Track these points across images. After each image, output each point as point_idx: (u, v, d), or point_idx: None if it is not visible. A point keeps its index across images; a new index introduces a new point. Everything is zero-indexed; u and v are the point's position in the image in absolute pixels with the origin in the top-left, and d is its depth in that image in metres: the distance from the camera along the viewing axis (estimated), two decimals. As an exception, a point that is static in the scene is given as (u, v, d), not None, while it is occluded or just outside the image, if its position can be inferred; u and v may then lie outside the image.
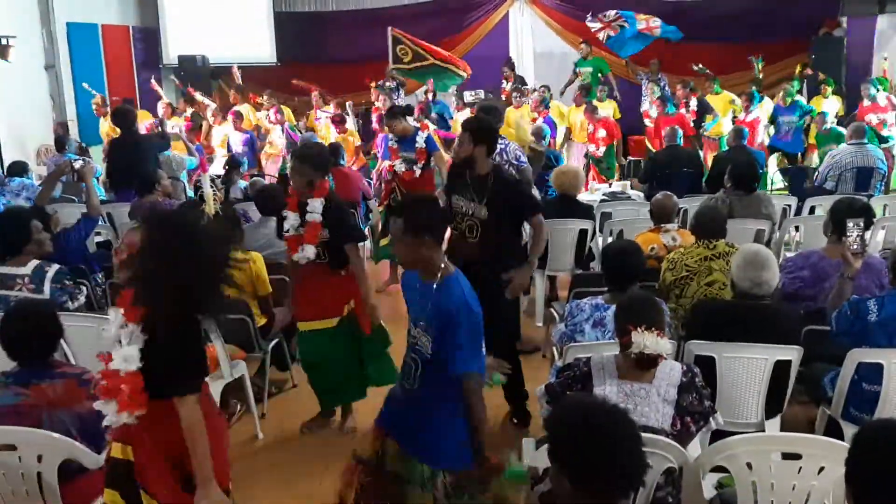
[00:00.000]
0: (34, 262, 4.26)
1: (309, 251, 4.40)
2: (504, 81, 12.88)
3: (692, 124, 10.69)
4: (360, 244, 4.71)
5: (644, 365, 2.80)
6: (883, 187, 7.80)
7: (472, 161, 4.41)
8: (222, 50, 13.75)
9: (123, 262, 2.58)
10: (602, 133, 10.54)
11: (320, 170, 4.42)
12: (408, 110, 7.80)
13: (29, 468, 2.89)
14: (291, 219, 4.46)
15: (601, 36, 11.72)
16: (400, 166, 7.05)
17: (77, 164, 6.28)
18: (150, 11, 14.16)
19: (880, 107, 10.53)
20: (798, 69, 12.56)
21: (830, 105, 11.26)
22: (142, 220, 2.66)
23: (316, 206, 4.38)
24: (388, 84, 11.93)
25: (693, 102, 10.99)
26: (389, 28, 11.24)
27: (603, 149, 10.54)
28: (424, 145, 7.05)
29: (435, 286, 2.82)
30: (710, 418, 2.88)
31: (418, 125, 7.72)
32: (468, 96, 11.74)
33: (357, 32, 14.72)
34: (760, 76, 11.94)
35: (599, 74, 12.46)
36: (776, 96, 10.97)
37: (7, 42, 9.92)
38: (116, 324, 2.56)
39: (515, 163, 5.56)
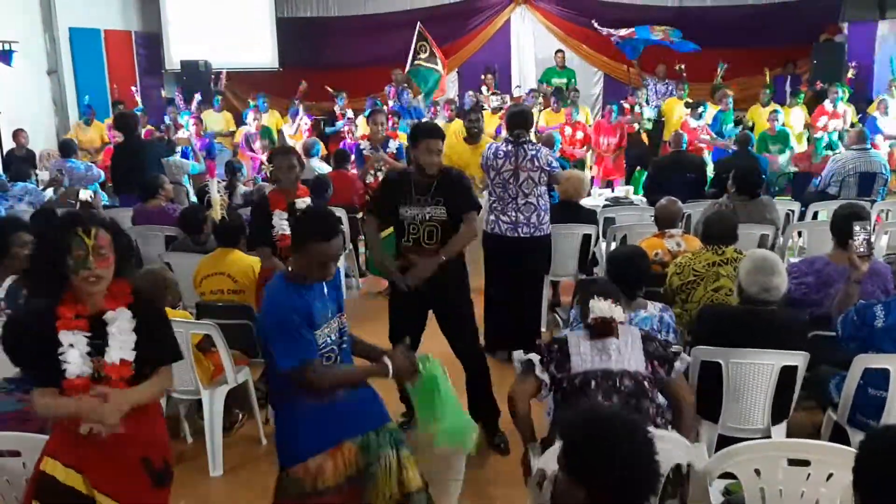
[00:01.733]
0: (10, 281, 3.98)
1: None
2: (484, 88, 12.97)
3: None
4: None
5: (602, 332, 3.07)
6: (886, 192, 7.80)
7: (422, 166, 4.26)
8: (224, 55, 13.78)
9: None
10: (580, 135, 10.58)
11: (302, 163, 4.63)
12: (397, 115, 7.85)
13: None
14: (282, 220, 4.51)
15: (613, 39, 11.73)
16: (370, 177, 7.06)
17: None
18: (153, 16, 14.19)
19: (838, 113, 10.63)
20: (767, 73, 12.58)
21: (796, 114, 11.26)
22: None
23: (306, 202, 4.54)
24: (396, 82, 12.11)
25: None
26: (419, 23, 11.65)
27: (580, 150, 10.56)
28: (395, 152, 7.11)
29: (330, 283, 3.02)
30: (677, 361, 3.13)
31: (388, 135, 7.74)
32: (494, 101, 11.82)
33: (359, 38, 14.76)
34: (719, 82, 11.96)
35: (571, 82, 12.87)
36: (720, 102, 10.93)
37: (10, 47, 9.93)
38: (70, 343, 2.54)
39: (548, 168, 5.43)
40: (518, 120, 5.55)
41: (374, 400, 3.09)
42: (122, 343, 2.57)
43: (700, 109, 10.42)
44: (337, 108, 11.94)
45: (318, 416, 2.92)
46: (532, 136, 6.17)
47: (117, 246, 2.60)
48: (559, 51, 13.65)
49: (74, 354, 2.53)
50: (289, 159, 4.57)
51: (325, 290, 2.97)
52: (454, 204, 4.26)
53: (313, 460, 2.89)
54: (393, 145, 7.17)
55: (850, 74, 11.87)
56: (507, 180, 5.42)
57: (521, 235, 5.42)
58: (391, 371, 2.98)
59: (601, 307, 3.08)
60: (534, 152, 5.41)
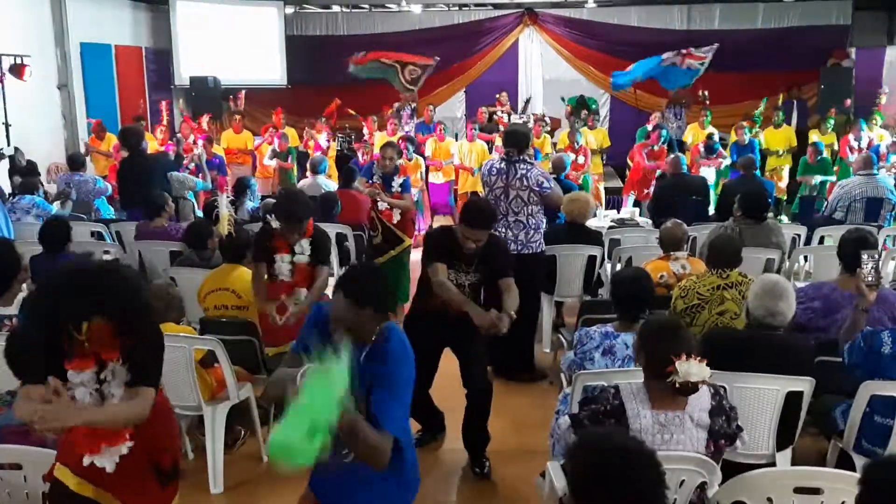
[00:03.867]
0: (21, 297, 3.95)
1: (301, 294, 4.61)
2: (498, 107, 13.05)
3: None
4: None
5: (687, 392, 2.73)
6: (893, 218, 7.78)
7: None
8: (234, 72, 13.86)
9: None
10: (581, 159, 10.58)
11: (308, 216, 4.59)
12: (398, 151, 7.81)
13: (34, 487, 2.86)
14: (284, 263, 4.60)
15: (674, 60, 11.61)
16: (382, 204, 7.02)
17: None
18: (163, 33, 14.30)
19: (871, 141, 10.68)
20: (781, 98, 12.61)
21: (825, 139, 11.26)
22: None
23: (304, 246, 4.59)
24: (402, 110, 12.16)
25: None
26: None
27: (580, 175, 10.56)
28: (399, 190, 7.05)
29: (367, 351, 2.65)
30: (738, 439, 2.89)
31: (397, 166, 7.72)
32: (516, 119, 11.98)
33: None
34: (760, 111, 11.99)
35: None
36: (734, 132, 10.93)
37: (21, 61, 10.00)
38: (80, 381, 2.50)
39: (537, 189, 5.44)
40: (510, 139, 5.64)
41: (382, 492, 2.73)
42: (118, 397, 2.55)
43: (714, 145, 10.46)
44: (366, 131, 11.99)
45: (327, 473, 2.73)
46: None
47: (124, 315, 2.48)
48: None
49: (82, 392, 2.51)
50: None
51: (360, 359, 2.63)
52: (491, 271, 4.32)
53: (312, 495, 2.87)
54: (397, 183, 7.12)
55: (882, 100, 11.86)
56: (499, 197, 5.50)
57: None
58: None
59: (692, 370, 2.68)
60: (524, 171, 5.44)
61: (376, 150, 10.53)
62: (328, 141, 11.68)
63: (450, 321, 4.25)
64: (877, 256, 3.76)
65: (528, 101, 14.28)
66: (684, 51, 11.40)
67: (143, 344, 2.57)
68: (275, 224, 4.66)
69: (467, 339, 4.36)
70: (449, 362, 4.50)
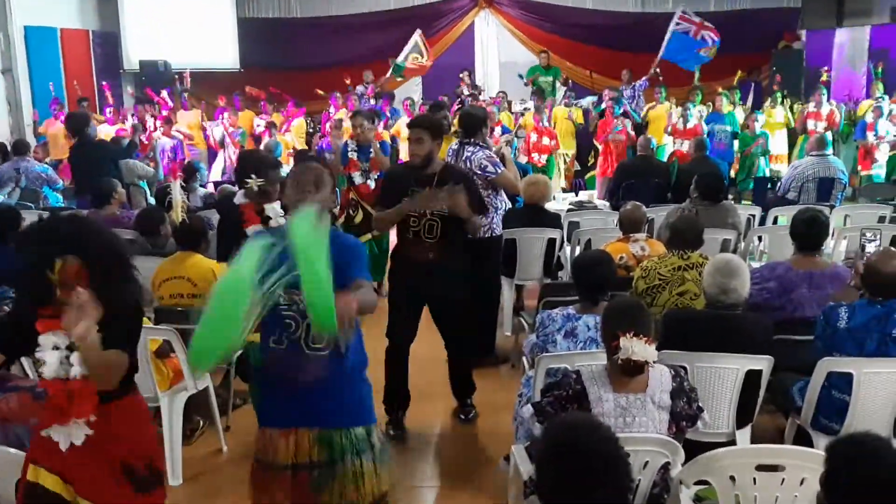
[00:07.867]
0: None
1: None
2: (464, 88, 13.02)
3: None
4: None
5: (630, 371, 2.76)
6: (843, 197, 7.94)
7: (430, 159, 4.43)
8: (185, 55, 13.59)
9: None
10: (547, 141, 10.58)
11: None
12: (376, 115, 7.78)
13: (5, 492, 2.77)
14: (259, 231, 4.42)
15: (689, 32, 11.53)
16: (359, 178, 6.94)
17: None
18: (111, 15, 13.96)
19: (821, 115, 10.89)
20: (738, 76, 12.78)
21: (781, 116, 11.42)
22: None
23: (276, 209, 4.34)
24: (359, 88, 12.05)
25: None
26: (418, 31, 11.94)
27: (545, 157, 10.55)
28: (373, 156, 7.00)
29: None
30: (699, 420, 2.92)
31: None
32: (517, 105, 11.91)
33: (321, 39, 14.67)
34: (698, 83, 12.11)
35: (557, 83, 12.99)
36: (714, 104, 11.08)
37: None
38: (52, 344, 2.45)
39: (480, 172, 5.28)
40: (460, 122, 5.65)
41: (344, 398, 2.84)
42: (79, 360, 2.44)
43: (688, 113, 10.55)
44: (332, 110, 11.83)
45: (277, 392, 2.89)
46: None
47: (95, 266, 2.43)
48: (543, 51, 13.65)
49: (53, 356, 2.45)
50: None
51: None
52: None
53: (269, 430, 2.87)
54: (374, 145, 7.06)
55: (825, 77, 12.05)
56: None
57: None
58: None
59: (635, 349, 2.71)
60: (469, 154, 5.38)
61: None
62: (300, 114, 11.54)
63: (431, 272, 4.36)
64: (878, 236, 3.84)
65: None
66: (697, 20, 11.40)
67: (121, 318, 2.50)
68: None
69: (446, 294, 4.45)
70: (429, 349, 4.50)
